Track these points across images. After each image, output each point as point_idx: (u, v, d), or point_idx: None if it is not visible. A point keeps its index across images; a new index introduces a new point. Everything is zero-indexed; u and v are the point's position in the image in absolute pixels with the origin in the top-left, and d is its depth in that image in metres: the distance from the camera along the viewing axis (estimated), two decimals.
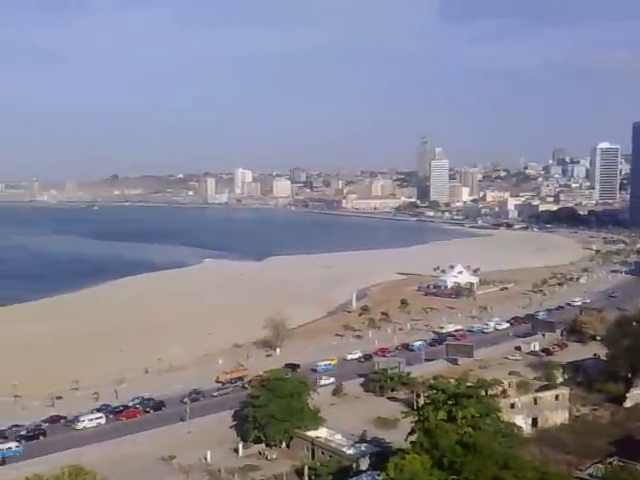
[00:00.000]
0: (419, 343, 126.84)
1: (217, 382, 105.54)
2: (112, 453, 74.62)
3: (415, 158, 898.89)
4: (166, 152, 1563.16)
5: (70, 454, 71.54)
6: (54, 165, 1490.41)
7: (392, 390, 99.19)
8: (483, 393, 72.74)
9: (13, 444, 77.95)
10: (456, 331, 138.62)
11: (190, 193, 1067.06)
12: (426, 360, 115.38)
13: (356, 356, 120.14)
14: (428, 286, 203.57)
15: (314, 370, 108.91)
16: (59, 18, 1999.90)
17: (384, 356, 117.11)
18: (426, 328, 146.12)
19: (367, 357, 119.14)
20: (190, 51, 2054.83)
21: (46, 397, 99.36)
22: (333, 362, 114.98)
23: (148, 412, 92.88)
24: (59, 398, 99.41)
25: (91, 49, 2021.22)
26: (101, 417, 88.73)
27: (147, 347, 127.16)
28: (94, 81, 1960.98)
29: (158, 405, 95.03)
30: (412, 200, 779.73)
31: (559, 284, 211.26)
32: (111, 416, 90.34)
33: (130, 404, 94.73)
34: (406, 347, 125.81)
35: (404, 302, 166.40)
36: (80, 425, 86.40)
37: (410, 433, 66.29)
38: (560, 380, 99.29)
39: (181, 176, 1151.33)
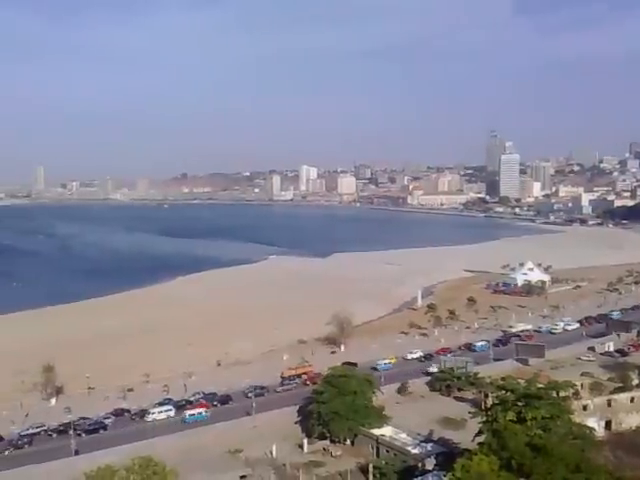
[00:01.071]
0: (481, 343, 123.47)
1: (282, 378, 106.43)
2: (181, 445, 76.26)
3: (484, 152, 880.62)
4: (233, 150, 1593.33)
5: (140, 446, 73.41)
6: (126, 164, 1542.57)
7: (459, 390, 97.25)
8: (554, 394, 70.28)
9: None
10: (522, 331, 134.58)
11: (256, 190, 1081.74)
12: (495, 360, 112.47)
13: (416, 355, 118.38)
14: (497, 284, 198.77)
15: (374, 369, 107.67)
16: (129, 18, 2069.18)
17: (447, 355, 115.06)
18: (495, 327, 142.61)
19: (428, 357, 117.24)
20: (255, 50, 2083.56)
21: (118, 389, 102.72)
22: (393, 361, 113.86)
23: (215, 406, 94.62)
24: (130, 390, 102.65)
25: (158, 49, 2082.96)
26: (170, 410, 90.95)
27: (215, 342, 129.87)
28: (162, 82, 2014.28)
29: (225, 399, 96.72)
30: (480, 196, 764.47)
31: (635, 282, 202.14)
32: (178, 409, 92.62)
33: (192, 398, 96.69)
34: (468, 347, 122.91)
35: (472, 300, 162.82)
36: (150, 417, 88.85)
37: (478, 434, 64.86)
38: (636, 382, 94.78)
39: (248, 174, 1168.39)
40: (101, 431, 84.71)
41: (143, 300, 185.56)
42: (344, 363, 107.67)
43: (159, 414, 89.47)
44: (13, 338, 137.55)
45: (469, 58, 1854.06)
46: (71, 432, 79.63)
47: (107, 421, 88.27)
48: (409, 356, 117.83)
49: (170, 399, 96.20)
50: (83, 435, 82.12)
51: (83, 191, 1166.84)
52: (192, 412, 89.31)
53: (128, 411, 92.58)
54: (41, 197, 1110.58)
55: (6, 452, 78.48)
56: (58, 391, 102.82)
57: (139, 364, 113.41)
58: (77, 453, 76.24)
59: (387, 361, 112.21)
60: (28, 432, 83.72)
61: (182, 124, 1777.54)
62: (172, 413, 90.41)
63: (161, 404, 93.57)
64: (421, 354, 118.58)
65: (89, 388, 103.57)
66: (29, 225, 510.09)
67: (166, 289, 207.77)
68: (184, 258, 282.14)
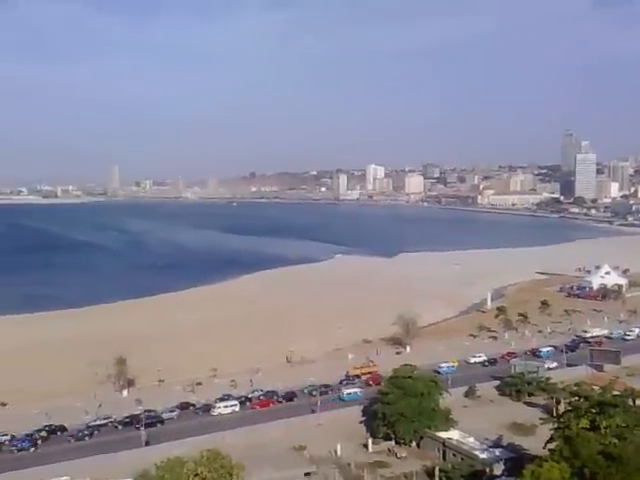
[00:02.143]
0: (547, 349, 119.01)
1: (347, 377, 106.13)
2: (246, 440, 77.21)
3: (558, 151, 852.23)
4: (301, 150, 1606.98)
5: (207, 439, 74.83)
6: (197, 163, 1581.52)
7: (529, 395, 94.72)
8: (630, 402, 67.37)
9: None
10: (592, 337, 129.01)
11: (323, 189, 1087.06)
12: (568, 365, 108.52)
13: (480, 360, 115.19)
14: (571, 287, 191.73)
15: (436, 372, 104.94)
16: (204, 20, 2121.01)
17: (508, 361, 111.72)
18: (568, 332, 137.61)
19: (492, 361, 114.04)
20: (323, 49, 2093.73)
21: (187, 383, 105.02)
22: (455, 364, 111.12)
23: (281, 402, 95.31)
24: (199, 384, 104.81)
25: (229, 51, 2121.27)
26: (235, 405, 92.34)
27: (280, 339, 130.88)
28: (233, 82, 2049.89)
29: (290, 396, 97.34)
30: (554, 196, 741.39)
31: None
32: (247, 404, 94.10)
33: (251, 395, 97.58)
34: (533, 353, 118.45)
35: (544, 303, 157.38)
36: (215, 411, 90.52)
37: (549, 440, 63.15)
38: None
39: (315, 173, 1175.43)
40: (158, 425, 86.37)
41: (211, 296, 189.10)
42: (403, 365, 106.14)
43: (224, 408, 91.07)
44: (88, 331, 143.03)
45: (543, 54, 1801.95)
46: (141, 424, 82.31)
47: (172, 414, 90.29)
48: (472, 360, 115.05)
49: (229, 395, 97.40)
50: (141, 428, 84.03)
51: (156, 189, 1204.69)
52: (349, 391, 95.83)
53: (193, 405, 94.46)
54: (116, 195, 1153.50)
55: (70, 442, 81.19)
56: (129, 383, 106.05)
57: (207, 359, 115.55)
58: (147, 444, 78.42)
59: (450, 364, 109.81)
60: (95, 423, 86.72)
61: (251, 124, 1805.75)
62: (237, 408, 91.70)
63: (221, 399, 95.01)
64: (484, 358, 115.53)
65: (159, 381, 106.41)
66: (104, 222, 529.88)
67: (233, 286, 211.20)
68: (251, 255, 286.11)
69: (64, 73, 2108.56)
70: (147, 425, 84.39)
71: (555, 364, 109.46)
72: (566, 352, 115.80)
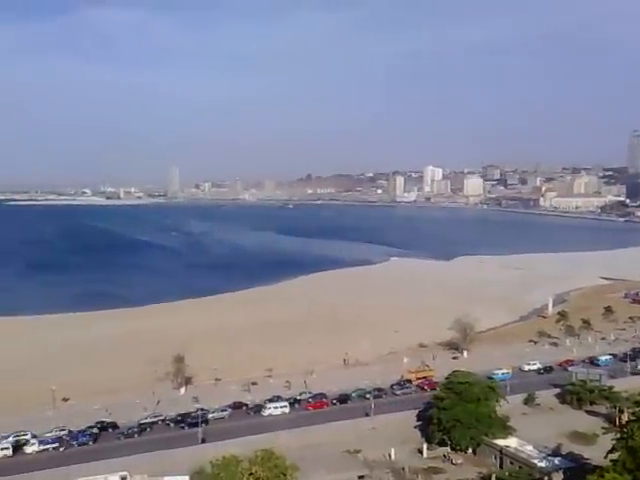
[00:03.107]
0: (606, 357, 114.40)
1: (402, 381, 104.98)
2: (300, 441, 77.36)
3: (625, 153, 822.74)
4: (357, 152, 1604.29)
5: (261, 438, 75.37)
6: (254, 166, 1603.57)
7: (591, 404, 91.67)
8: None
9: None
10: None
11: (379, 191, 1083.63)
12: (632, 374, 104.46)
13: (534, 367, 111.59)
14: (637, 293, 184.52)
15: (490, 379, 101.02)
16: (265, 23, 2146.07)
17: (565, 369, 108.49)
18: (633, 339, 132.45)
19: (547, 369, 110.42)
20: (383, 50, 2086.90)
21: (243, 382, 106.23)
22: (509, 371, 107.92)
23: (335, 404, 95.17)
24: (254, 384, 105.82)
25: (288, 53, 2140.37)
26: (285, 406, 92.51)
27: (335, 341, 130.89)
28: (291, 85, 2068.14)
29: (344, 398, 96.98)
30: (620, 199, 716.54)
31: None
32: (296, 405, 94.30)
33: (299, 397, 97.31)
34: (591, 361, 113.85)
35: (608, 309, 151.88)
36: (266, 412, 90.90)
37: (610, 451, 60.99)
38: None
39: (371, 175, 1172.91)
40: (203, 425, 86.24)
41: (267, 297, 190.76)
42: (453, 372, 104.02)
43: (274, 409, 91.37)
44: (148, 329, 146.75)
45: (610, 51, 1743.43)
46: (186, 423, 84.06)
47: (224, 413, 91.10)
48: (526, 367, 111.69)
49: (279, 396, 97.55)
50: (186, 428, 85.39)
51: (214, 191, 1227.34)
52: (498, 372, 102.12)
53: (246, 405, 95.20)
54: (176, 196, 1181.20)
55: (120, 439, 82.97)
56: (187, 381, 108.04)
57: (263, 359, 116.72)
58: (204, 441, 79.64)
59: (504, 371, 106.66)
60: (146, 421, 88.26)
61: (308, 126, 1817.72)
62: (287, 410, 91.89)
63: (271, 400, 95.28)
64: (539, 366, 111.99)
65: (215, 379, 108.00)
66: (164, 223, 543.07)
67: (289, 287, 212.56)
68: (306, 257, 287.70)
69: (128, 76, 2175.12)
70: (190, 425, 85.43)
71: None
72: (625, 361, 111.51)
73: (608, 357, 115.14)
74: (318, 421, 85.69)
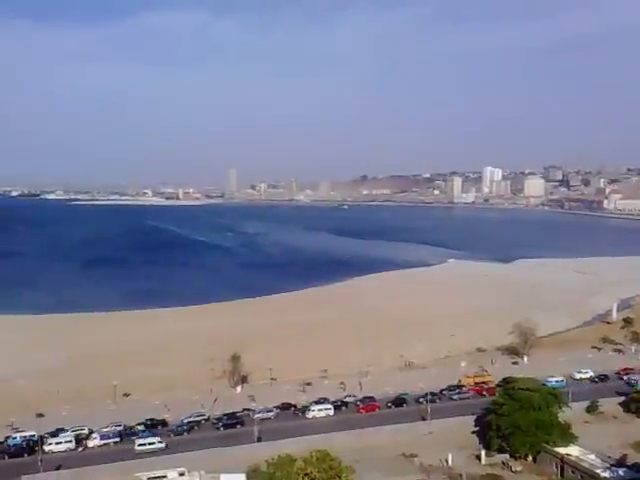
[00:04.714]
0: None
1: (453, 386, 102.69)
2: (356, 443, 76.84)
3: None
4: (414, 151, 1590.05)
5: (317, 439, 75.40)
6: (310, 167, 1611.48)
7: None
8: None
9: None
10: None
11: (436, 192, 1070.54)
12: None
13: (586, 375, 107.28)
14: None
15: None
16: (317, 22, 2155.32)
17: (621, 378, 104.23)
18: None
19: (602, 378, 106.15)
20: (446, 48, 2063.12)
21: (298, 382, 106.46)
22: (562, 379, 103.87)
23: (389, 407, 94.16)
24: (309, 384, 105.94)
25: (341, 52, 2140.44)
26: (330, 409, 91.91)
27: (391, 343, 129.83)
28: (347, 84, 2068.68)
29: (399, 402, 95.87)
30: None
31: None
32: (344, 408, 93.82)
33: (346, 400, 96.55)
34: None
35: None
36: (310, 414, 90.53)
37: None
38: None
39: (427, 175, 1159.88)
40: (238, 426, 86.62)
41: (323, 298, 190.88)
42: (503, 379, 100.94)
43: (319, 412, 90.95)
44: (206, 327, 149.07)
45: None
46: (255, 419, 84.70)
47: (270, 414, 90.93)
48: (577, 375, 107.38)
49: (325, 398, 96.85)
50: (221, 429, 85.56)
51: (270, 192, 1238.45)
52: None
53: (294, 406, 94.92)
54: (232, 197, 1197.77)
55: (170, 436, 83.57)
56: (243, 380, 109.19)
57: (318, 359, 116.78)
58: (259, 440, 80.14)
59: (558, 379, 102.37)
60: (190, 419, 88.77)
61: (364, 126, 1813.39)
62: (331, 412, 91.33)
63: (317, 402, 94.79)
64: (591, 374, 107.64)
65: (271, 379, 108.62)
66: (221, 223, 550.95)
67: (345, 288, 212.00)
68: (362, 258, 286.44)
69: (186, 77, 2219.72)
70: (225, 426, 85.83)
71: None
72: None
73: None
74: (365, 424, 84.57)
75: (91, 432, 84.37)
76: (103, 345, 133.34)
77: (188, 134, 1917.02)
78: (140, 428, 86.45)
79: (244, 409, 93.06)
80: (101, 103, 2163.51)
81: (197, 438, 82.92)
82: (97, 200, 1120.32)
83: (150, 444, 78.96)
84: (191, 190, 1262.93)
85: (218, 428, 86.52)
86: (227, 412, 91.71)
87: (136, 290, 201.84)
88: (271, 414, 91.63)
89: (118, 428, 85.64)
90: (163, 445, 79.16)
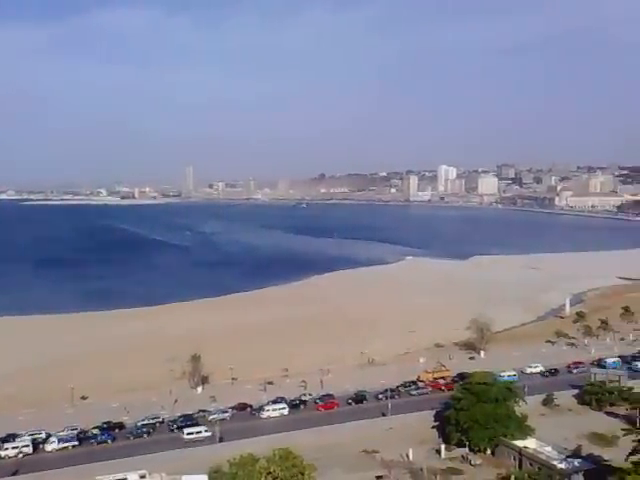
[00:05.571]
0: (613, 360, 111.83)
1: (419, 381, 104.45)
2: (318, 441, 77.14)
3: None
4: (371, 151, 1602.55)
5: (279, 438, 75.37)
6: (268, 165, 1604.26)
7: (611, 405, 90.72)
8: None
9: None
10: None
11: (393, 191, 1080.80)
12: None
13: (536, 370, 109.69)
14: None
15: None
16: (275, 22, 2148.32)
17: (570, 372, 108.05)
18: None
19: (552, 372, 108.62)
20: (395, 48, 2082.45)
21: (259, 382, 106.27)
22: (514, 373, 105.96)
23: (349, 404, 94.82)
24: (270, 383, 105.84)
25: (297, 52, 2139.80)
26: (284, 408, 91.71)
27: (352, 341, 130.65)
28: (303, 83, 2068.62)
29: (359, 398, 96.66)
30: (638, 198, 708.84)
31: None
32: (302, 407, 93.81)
33: (304, 399, 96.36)
34: (599, 364, 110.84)
35: (627, 310, 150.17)
36: (264, 414, 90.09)
37: (632, 452, 60.64)
38: None
39: (384, 174, 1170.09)
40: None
41: (282, 297, 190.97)
42: (458, 374, 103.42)
43: (273, 411, 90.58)
44: (165, 328, 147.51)
45: (621, 51, 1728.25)
46: (211, 420, 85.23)
47: (226, 415, 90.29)
48: (528, 370, 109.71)
49: (283, 397, 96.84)
50: (176, 431, 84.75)
51: (228, 191, 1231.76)
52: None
53: (250, 406, 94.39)
54: (190, 196, 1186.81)
55: (129, 439, 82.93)
56: (204, 380, 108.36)
57: (279, 358, 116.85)
58: (221, 440, 79.80)
59: (510, 373, 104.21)
60: (144, 422, 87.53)
61: (322, 125, 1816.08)
62: (285, 412, 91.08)
63: (274, 402, 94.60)
64: (542, 369, 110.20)
65: (232, 379, 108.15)
66: (178, 222, 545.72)
67: (304, 287, 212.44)
68: (321, 256, 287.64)
69: (143, 76, 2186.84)
70: (181, 428, 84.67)
71: None
72: (630, 363, 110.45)
73: (616, 359, 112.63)
74: (323, 422, 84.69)
75: (49, 436, 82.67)
76: (59, 348, 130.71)
77: (143, 133, 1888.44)
78: (95, 432, 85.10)
79: (199, 410, 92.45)
80: (53, 102, 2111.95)
81: (159, 440, 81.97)
82: (50, 200, 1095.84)
83: (197, 433, 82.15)
84: (147, 189, 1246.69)
85: (173, 430, 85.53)
86: (182, 414, 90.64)
87: (92, 291, 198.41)
88: (227, 415, 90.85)
89: (74, 432, 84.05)
90: (210, 434, 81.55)
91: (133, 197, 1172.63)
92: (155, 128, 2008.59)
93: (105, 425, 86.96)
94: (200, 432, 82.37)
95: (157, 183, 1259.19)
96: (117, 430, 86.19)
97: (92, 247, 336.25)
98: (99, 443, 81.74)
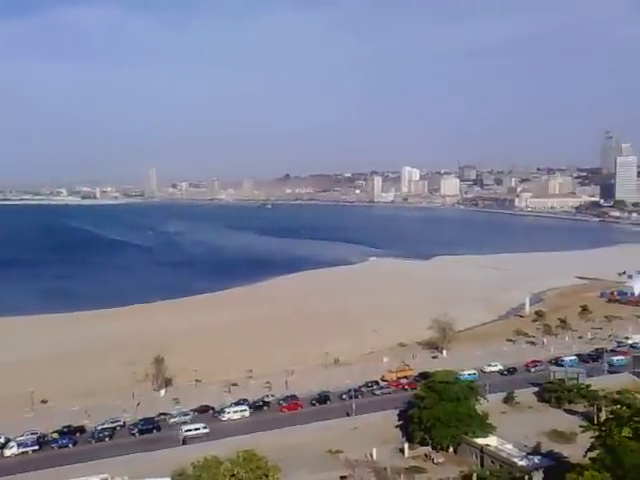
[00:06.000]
0: (571, 358, 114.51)
1: (382, 381, 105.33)
2: (282, 442, 76.92)
3: (598, 154, 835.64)
4: (335, 152, 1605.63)
5: (244, 439, 74.99)
6: (232, 166, 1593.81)
7: (569, 402, 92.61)
8: None
9: None
10: (618, 346, 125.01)
11: (357, 192, 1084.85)
12: (610, 372, 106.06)
13: (495, 368, 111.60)
14: (612, 292, 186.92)
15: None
16: (236, 22, 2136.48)
17: (528, 370, 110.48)
18: (609, 338, 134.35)
19: (511, 370, 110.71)
20: (358, 51, 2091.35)
21: (223, 383, 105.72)
22: (475, 372, 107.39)
23: (313, 405, 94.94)
24: (235, 385, 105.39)
25: (263, 51, 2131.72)
26: (245, 410, 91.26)
27: (315, 341, 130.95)
28: (267, 83, 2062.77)
29: (323, 399, 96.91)
30: (594, 199, 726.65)
31: None
32: (265, 408, 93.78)
33: (267, 400, 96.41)
34: (556, 362, 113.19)
35: (585, 309, 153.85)
36: (225, 416, 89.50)
37: (589, 449, 61.75)
38: None
39: (349, 175, 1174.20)
40: (155, 431, 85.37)
41: (247, 297, 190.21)
42: (419, 374, 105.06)
43: (234, 413, 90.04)
44: (128, 330, 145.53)
45: (583, 55, 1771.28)
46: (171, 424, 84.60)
47: (186, 418, 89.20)
48: (487, 369, 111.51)
49: (246, 399, 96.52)
50: (137, 434, 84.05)
51: (192, 191, 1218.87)
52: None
53: (212, 408, 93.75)
54: (153, 196, 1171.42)
55: (91, 442, 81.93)
56: (167, 382, 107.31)
57: (243, 359, 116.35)
58: (185, 443, 79.14)
59: (470, 372, 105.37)
60: (104, 426, 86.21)
61: (286, 125, 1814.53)
62: (247, 413, 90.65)
63: (237, 404, 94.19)
64: (501, 367, 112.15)
65: (196, 381, 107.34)
66: (141, 222, 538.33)
67: (269, 287, 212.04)
68: (285, 257, 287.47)
69: (101, 75, 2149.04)
70: (142, 432, 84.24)
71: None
72: (587, 362, 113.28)
73: (573, 358, 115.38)
74: (285, 424, 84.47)
75: (8, 441, 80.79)
76: (18, 351, 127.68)
77: (105, 132, 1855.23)
78: (56, 436, 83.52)
79: (160, 413, 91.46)
80: (11, 101, 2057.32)
81: (120, 443, 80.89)
82: (9, 200, 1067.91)
83: (196, 429, 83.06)
84: (109, 189, 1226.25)
85: (134, 434, 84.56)
86: (143, 417, 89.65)
87: (51, 292, 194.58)
88: (187, 417, 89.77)
89: (34, 436, 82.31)
90: (208, 430, 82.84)
91: (94, 197, 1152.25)
92: (117, 127, 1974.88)
93: (66, 429, 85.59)
94: (199, 429, 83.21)
95: (119, 183, 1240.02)
96: (78, 434, 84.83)
97: (52, 247, 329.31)
98: (60, 447, 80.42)
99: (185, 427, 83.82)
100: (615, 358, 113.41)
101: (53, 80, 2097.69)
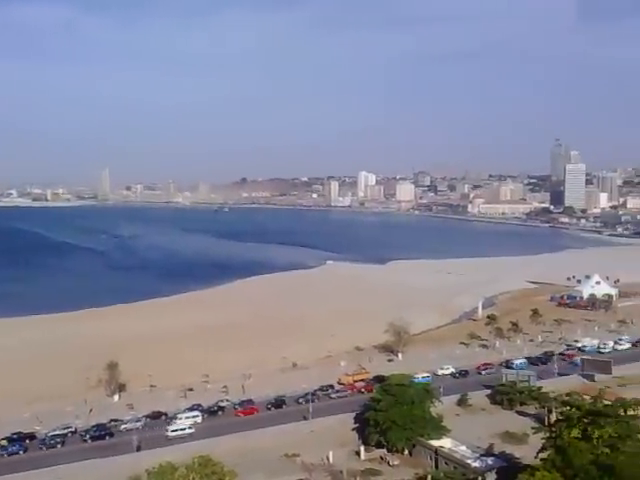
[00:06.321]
0: (520, 361, 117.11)
1: (339, 384, 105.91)
2: (239, 446, 76.59)
3: (548, 161, 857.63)
4: (292, 156, 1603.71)
5: (199, 445, 74.45)
6: (188, 168, 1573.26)
7: (521, 404, 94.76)
8: (622, 413, 67.58)
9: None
10: (567, 349, 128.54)
11: (314, 196, 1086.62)
12: (559, 375, 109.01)
13: (447, 371, 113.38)
14: (562, 297, 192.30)
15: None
16: (192, 21, 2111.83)
17: (479, 373, 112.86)
18: (559, 341, 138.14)
19: (463, 373, 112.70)
20: (318, 54, 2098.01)
21: (179, 388, 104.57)
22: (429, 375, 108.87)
23: (269, 409, 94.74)
24: (190, 390, 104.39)
25: (218, 53, 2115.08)
26: (197, 416, 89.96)
27: (273, 345, 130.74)
28: (224, 85, 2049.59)
29: (279, 403, 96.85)
30: (545, 206, 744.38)
31: None
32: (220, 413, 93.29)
33: (223, 404, 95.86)
34: (507, 365, 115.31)
35: (535, 312, 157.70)
36: (172, 432, 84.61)
37: (541, 450, 63.37)
38: None
39: (306, 179, 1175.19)
40: (107, 437, 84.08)
41: (203, 301, 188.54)
42: (374, 377, 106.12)
43: (185, 420, 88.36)
44: (80, 335, 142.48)
45: (531, 65, 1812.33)
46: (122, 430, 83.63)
47: (138, 424, 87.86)
48: (439, 372, 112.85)
49: (199, 405, 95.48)
50: (89, 441, 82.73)
51: (147, 194, 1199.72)
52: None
53: (165, 414, 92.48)
54: (106, 199, 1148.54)
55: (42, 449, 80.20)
56: (121, 388, 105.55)
57: (199, 364, 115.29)
58: (139, 449, 77.97)
59: (424, 375, 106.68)
60: (55, 433, 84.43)
61: (242, 128, 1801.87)
62: (199, 419, 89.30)
63: (190, 409, 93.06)
64: (452, 370, 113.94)
65: (151, 386, 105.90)
66: (94, 225, 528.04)
67: (225, 291, 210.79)
68: (242, 261, 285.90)
69: (54, 74, 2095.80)
70: (93, 438, 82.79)
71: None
72: (536, 364, 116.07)
73: (523, 361, 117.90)
74: (239, 429, 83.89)
75: None
76: None
77: (56, 132, 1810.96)
78: (4, 443, 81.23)
79: (111, 420, 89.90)
80: None
81: (73, 450, 79.22)
82: None
83: (182, 430, 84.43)
84: (61, 191, 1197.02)
85: (85, 440, 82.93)
86: (96, 423, 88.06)
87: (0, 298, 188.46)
88: (139, 424, 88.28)
89: None
90: (193, 430, 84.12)
91: (45, 199, 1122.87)
92: (69, 128, 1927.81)
93: (15, 436, 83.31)
94: (184, 429, 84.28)
95: (71, 185, 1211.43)
96: (28, 441, 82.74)
97: None
98: (10, 455, 78.31)
99: (171, 427, 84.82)
100: (517, 362, 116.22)
101: (1, 79, 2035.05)
